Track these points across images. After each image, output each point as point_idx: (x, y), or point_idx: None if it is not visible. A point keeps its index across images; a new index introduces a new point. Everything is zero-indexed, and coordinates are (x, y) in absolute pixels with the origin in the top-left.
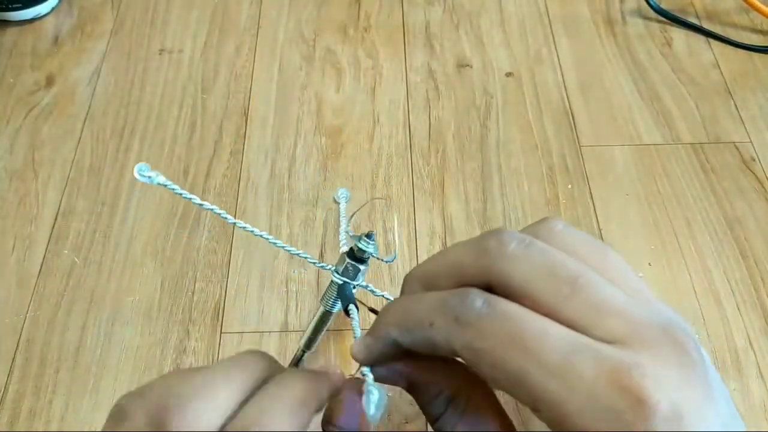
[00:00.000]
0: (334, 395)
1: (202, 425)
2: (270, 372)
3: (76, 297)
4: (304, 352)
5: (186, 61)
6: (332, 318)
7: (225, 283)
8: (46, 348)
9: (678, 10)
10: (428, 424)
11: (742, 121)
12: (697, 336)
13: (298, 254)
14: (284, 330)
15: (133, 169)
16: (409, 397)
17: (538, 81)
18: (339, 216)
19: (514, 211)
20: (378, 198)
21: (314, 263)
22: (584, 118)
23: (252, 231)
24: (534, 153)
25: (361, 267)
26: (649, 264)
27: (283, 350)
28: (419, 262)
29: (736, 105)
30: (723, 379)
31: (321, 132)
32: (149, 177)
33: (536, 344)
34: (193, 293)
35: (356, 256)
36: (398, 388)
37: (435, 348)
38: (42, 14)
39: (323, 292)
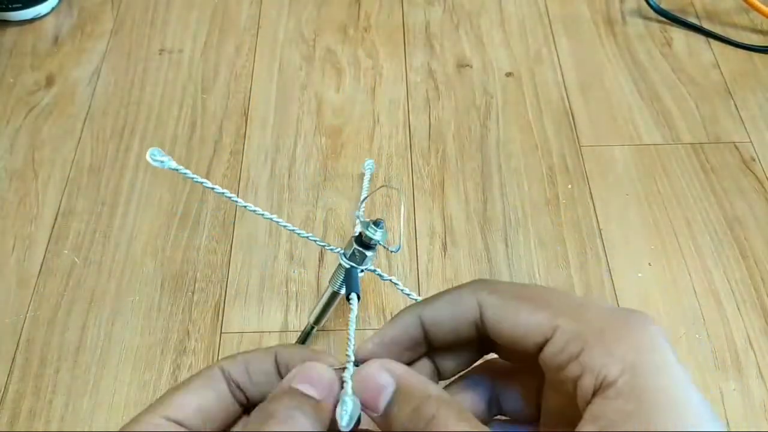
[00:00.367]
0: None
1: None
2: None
3: (76, 297)
4: (312, 327)
5: (186, 61)
6: (339, 298)
7: (225, 283)
8: (46, 348)
9: (678, 10)
10: None
11: (742, 121)
12: (697, 336)
13: (307, 237)
14: (284, 330)
15: (133, 169)
16: None
17: (538, 81)
18: (363, 187)
19: (514, 211)
20: (388, 185)
21: (324, 245)
22: (584, 118)
23: (262, 214)
24: (534, 153)
25: (368, 253)
26: (649, 264)
27: None
28: (419, 261)
29: (736, 105)
30: (723, 379)
31: (321, 132)
32: (161, 161)
33: None
34: (193, 293)
35: (363, 242)
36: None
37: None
38: (42, 14)
39: (322, 293)
